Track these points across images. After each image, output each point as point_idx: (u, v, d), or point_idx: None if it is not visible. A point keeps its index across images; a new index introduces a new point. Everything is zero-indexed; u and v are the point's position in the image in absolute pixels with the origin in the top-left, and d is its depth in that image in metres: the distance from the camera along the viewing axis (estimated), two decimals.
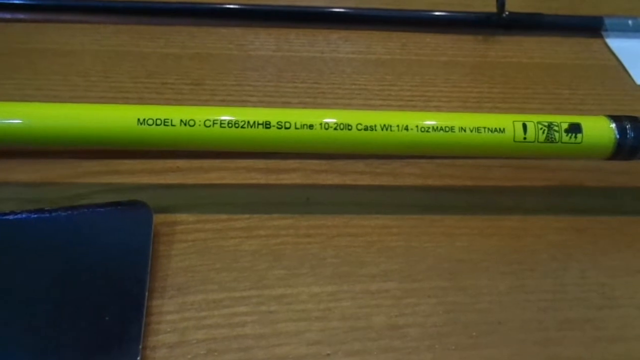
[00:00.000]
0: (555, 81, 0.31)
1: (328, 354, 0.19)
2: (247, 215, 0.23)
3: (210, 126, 0.20)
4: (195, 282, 0.20)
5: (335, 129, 0.20)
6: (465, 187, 0.25)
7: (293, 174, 0.25)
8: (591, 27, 0.34)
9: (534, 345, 0.20)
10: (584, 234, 0.23)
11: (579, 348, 0.20)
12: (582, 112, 0.27)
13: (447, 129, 0.21)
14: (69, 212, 0.20)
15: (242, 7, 0.33)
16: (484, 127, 0.21)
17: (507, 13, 0.33)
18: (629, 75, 0.32)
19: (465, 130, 0.21)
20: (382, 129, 0.20)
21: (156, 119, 0.20)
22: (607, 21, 0.34)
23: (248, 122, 0.20)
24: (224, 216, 0.23)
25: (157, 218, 0.22)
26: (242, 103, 0.28)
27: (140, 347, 0.18)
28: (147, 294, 0.19)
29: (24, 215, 0.20)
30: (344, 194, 0.24)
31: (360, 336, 0.19)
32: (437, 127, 0.20)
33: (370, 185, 0.25)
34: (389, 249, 0.22)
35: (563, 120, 0.21)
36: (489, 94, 0.30)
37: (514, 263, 0.22)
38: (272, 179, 0.24)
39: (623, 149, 0.21)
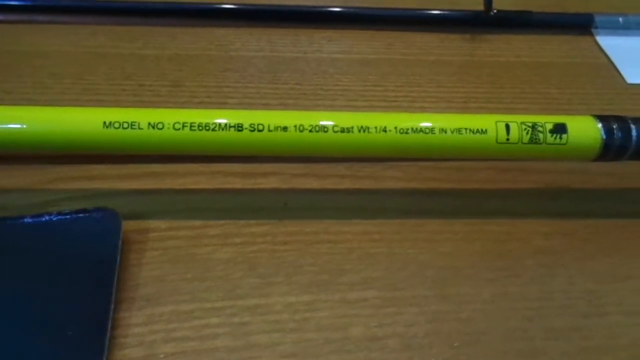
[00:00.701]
0: (544, 80, 0.31)
1: None
2: (222, 222, 0.22)
3: (179, 129, 0.19)
4: (165, 292, 0.19)
5: (310, 131, 0.19)
6: (448, 190, 0.24)
7: (271, 178, 0.24)
8: (581, 25, 0.34)
9: (518, 355, 0.19)
10: (571, 238, 0.23)
11: (566, 358, 0.19)
12: (570, 112, 0.26)
13: (426, 130, 0.20)
14: (33, 219, 0.19)
15: (223, 6, 0.32)
16: (465, 128, 0.20)
17: (495, 11, 0.33)
18: (619, 74, 0.31)
19: (445, 132, 0.20)
20: (360, 131, 0.20)
21: (123, 122, 0.19)
22: (597, 18, 0.34)
23: (219, 124, 0.19)
24: (198, 222, 0.22)
25: (129, 225, 0.21)
26: (222, 105, 0.27)
27: None
28: (112, 305, 0.18)
29: None
30: (323, 198, 0.23)
31: (337, 348, 0.19)
32: (416, 129, 0.20)
33: (350, 190, 0.24)
34: (370, 255, 0.21)
35: (547, 121, 0.20)
36: (475, 94, 0.29)
37: (499, 269, 0.21)
38: (249, 184, 0.24)
39: (610, 150, 0.21)
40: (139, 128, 0.19)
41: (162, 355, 0.18)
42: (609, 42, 0.33)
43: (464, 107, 0.28)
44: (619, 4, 0.36)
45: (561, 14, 0.34)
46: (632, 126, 0.21)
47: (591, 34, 0.34)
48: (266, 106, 0.27)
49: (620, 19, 0.34)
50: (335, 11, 0.33)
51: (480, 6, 0.33)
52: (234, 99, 0.28)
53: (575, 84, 0.30)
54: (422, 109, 0.28)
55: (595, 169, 0.25)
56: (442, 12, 0.33)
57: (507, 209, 0.23)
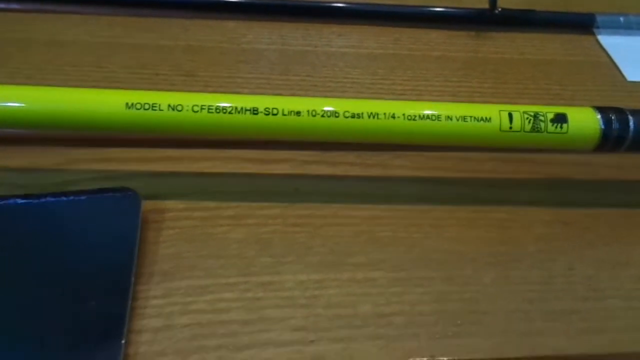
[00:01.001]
0: (546, 77, 0.31)
1: (312, 341, 0.19)
2: (235, 204, 0.23)
3: (197, 111, 0.20)
4: (182, 268, 0.20)
5: (322, 116, 0.20)
6: (454, 179, 0.25)
7: (283, 164, 0.25)
8: (583, 24, 0.35)
9: (518, 335, 0.20)
10: (571, 226, 0.23)
11: (564, 339, 0.20)
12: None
13: (433, 117, 0.21)
14: (57, 198, 0.20)
15: (236, 0, 0.33)
16: (470, 116, 0.21)
17: (499, 9, 0.34)
18: (620, 72, 0.32)
19: (451, 119, 0.21)
20: (369, 117, 0.21)
21: (144, 104, 0.20)
22: (599, 18, 0.34)
23: (236, 108, 0.20)
24: (212, 204, 0.23)
25: (147, 205, 0.22)
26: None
27: (125, 330, 0.18)
28: (133, 279, 0.19)
29: (11, 201, 0.20)
30: (333, 184, 0.24)
31: (345, 324, 0.19)
32: (423, 116, 0.21)
33: (359, 177, 0.25)
34: (377, 239, 0.22)
35: (549, 111, 0.21)
36: (480, 89, 0.30)
37: (501, 254, 0.22)
38: (262, 169, 0.24)
39: (609, 140, 0.21)
40: (160, 109, 0.20)
41: (179, 326, 0.19)
42: (610, 41, 0.34)
43: (469, 101, 0.29)
44: (621, 4, 0.37)
45: (564, 13, 0.35)
46: (630, 117, 0.21)
47: (593, 33, 0.35)
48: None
49: (621, 19, 0.35)
50: (344, 7, 0.34)
51: (485, 4, 0.34)
52: (247, 89, 0.28)
53: (576, 81, 0.31)
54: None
55: (596, 160, 0.26)
56: (448, 10, 0.34)
57: (510, 197, 0.24)
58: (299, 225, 0.22)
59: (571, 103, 0.30)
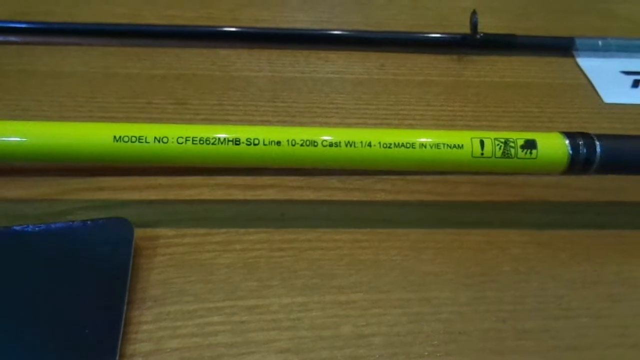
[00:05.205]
0: (526, 100, 0.33)
1: None
2: (224, 230, 0.24)
3: (182, 143, 0.21)
4: (172, 293, 0.21)
5: (301, 145, 0.22)
6: (433, 202, 0.26)
7: (269, 190, 0.26)
8: (562, 47, 0.36)
9: (492, 354, 0.21)
10: (546, 247, 0.25)
11: (535, 357, 0.21)
12: (550, 129, 0.28)
13: (408, 145, 0.22)
14: (53, 228, 0.21)
15: (226, 29, 0.34)
16: (444, 143, 0.22)
17: (481, 34, 0.35)
18: (597, 94, 0.33)
19: (425, 147, 0.22)
20: (346, 145, 0.22)
21: (131, 136, 0.21)
22: (577, 41, 0.36)
23: (218, 138, 0.21)
24: (202, 230, 0.24)
25: (139, 232, 0.23)
26: (224, 121, 0.29)
27: (117, 356, 0.19)
28: (125, 306, 0.20)
29: (5, 230, 0.21)
30: (317, 209, 0.25)
31: (327, 345, 0.20)
32: (398, 144, 0.22)
33: (342, 201, 0.26)
34: (359, 261, 0.23)
35: (519, 137, 0.22)
36: (462, 112, 0.31)
37: (477, 275, 0.23)
38: (249, 195, 0.26)
39: (577, 163, 0.23)
40: (146, 142, 0.21)
41: (168, 350, 0.20)
42: (588, 64, 0.35)
43: (451, 125, 0.30)
44: (601, 27, 0.39)
45: (543, 37, 0.36)
46: (597, 142, 0.23)
47: (572, 56, 0.36)
48: (265, 123, 0.29)
49: (600, 42, 0.36)
50: (331, 34, 0.35)
51: (467, 29, 0.35)
52: (235, 115, 0.30)
53: (555, 103, 0.33)
54: (411, 126, 0.30)
55: (570, 183, 0.27)
56: (431, 35, 0.35)
57: (487, 220, 0.25)
58: (284, 250, 0.23)
59: (550, 125, 0.31)
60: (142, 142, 0.21)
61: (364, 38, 0.35)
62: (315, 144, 0.22)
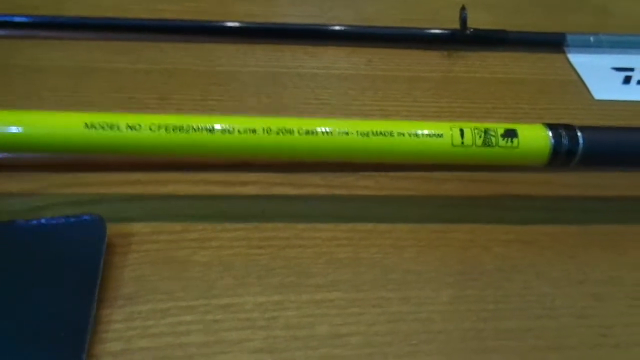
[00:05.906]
0: (516, 96, 0.32)
1: None
2: (201, 227, 0.23)
3: (155, 130, 0.21)
4: (144, 291, 0.21)
5: (277, 133, 0.21)
6: (416, 198, 0.26)
7: (251, 186, 0.25)
8: (553, 43, 0.35)
9: (472, 353, 0.20)
10: (530, 245, 0.24)
11: (516, 357, 0.20)
12: None
13: (386, 133, 0.21)
14: (25, 224, 0.21)
15: (210, 24, 0.34)
16: (422, 132, 0.21)
17: (471, 30, 0.34)
18: (588, 90, 0.33)
19: (403, 135, 0.21)
20: (323, 134, 0.21)
21: (103, 123, 0.21)
22: (569, 37, 0.35)
23: (192, 126, 0.21)
24: (178, 227, 0.23)
25: (114, 229, 0.22)
26: None
27: (85, 355, 0.18)
28: (94, 304, 0.20)
29: None
30: (298, 206, 0.25)
31: (301, 345, 0.20)
32: (376, 132, 0.21)
33: (324, 197, 0.25)
34: (338, 260, 0.23)
35: (499, 127, 0.22)
36: (449, 109, 0.31)
37: (459, 274, 0.23)
38: (229, 191, 0.25)
39: (559, 154, 0.22)
40: (118, 129, 0.21)
41: (137, 349, 0.19)
42: (579, 60, 0.35)
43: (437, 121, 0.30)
44: (592, 23, 0.38)
45: (534, 33, 0.36)
46: (579, 133, 0.22)
47: (563, 52, 0.35)
48: None
49: (591, 38, 0.35)
50: (318, 29, 0.35)
51: (456, 25, 0.34)
52: (219, 110, 0.29)
53: (546, 99, 0.32)
54: None
55: (555, 180, 0.26)
56: (420, 30, 0.35)
57: (471, 217, 0.25)
58: (262, 247, 0.23)
59: (540, 121, 0.30)
60: (113, 130, 0.21)
61: (352, 33, 0.35)
62: (292, 132, 0.21)
